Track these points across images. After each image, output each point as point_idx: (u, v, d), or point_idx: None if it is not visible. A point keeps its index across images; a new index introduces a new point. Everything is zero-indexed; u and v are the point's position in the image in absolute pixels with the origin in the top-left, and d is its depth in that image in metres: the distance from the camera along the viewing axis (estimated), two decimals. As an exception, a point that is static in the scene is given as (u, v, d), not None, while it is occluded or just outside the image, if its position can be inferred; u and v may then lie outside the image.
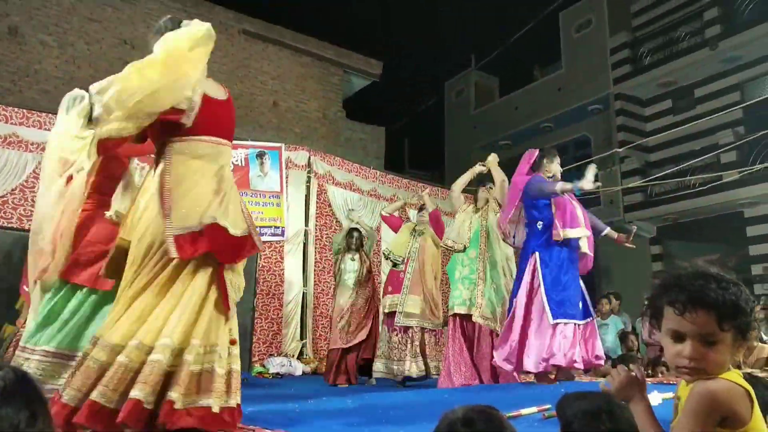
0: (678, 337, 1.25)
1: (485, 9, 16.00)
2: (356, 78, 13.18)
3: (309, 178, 7.95)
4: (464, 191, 5.40)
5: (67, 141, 3.37)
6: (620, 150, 11.70)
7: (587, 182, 4.17)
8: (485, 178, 5.30)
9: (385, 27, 16.44)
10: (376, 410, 3.13)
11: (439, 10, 15.82)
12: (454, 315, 4.89)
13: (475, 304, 4.80)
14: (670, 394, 2.21)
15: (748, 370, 5.17)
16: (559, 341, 4.21)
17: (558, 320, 4.23)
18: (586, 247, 4.51)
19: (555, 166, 4.71)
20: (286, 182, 7.65)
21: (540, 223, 4.48)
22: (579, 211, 4.58)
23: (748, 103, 10.33)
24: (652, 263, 13.01)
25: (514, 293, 4.51)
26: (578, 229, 4.44)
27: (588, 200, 13.10)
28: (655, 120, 13.33)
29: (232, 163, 7.63)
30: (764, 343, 5.60)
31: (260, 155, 7.44)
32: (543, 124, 15.03)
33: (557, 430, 1.65)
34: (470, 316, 4.81)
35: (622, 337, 6.91)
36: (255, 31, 11.43)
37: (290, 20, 12.06)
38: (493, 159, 5.22)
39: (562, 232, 4.36)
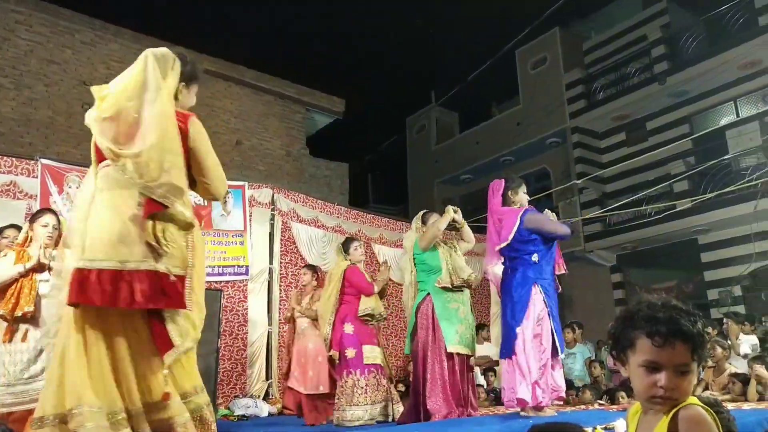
0: (654, 368, 1.29)
1: (445, 47, 16.42)
2: (319, 115, 13.30)
3: (273, 215, 7.91)
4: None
5: None
6: (579, 181, 12.02)
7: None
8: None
9: (347, 65, 16.69)
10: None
11: (399, 47, 16.17)
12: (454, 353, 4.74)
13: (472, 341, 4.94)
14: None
15: (716, 393, 5.30)
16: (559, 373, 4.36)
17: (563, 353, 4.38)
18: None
19: (521, 196, 4.71)
20: (250, 220, 7.60)
21: (536, 255, 4.47)
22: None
23: (697, 134, 10.81)
24: (614, 291, 13.27)
25: (513, 326, 4.33)
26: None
27: (549, 231, 13.37)
28: (611, 152, 13.77)
29: (195, 202, 7.57)
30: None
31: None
32: (503, 158, 15.36)
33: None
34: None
35: (589, 364, 6.99)
36: (216, 70, 11.47)
37: (251, 59, 12.16)
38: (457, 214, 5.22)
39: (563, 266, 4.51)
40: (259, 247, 7.64)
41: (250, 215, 7.62)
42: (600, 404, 5.65)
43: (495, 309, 9.25)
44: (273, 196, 7.98)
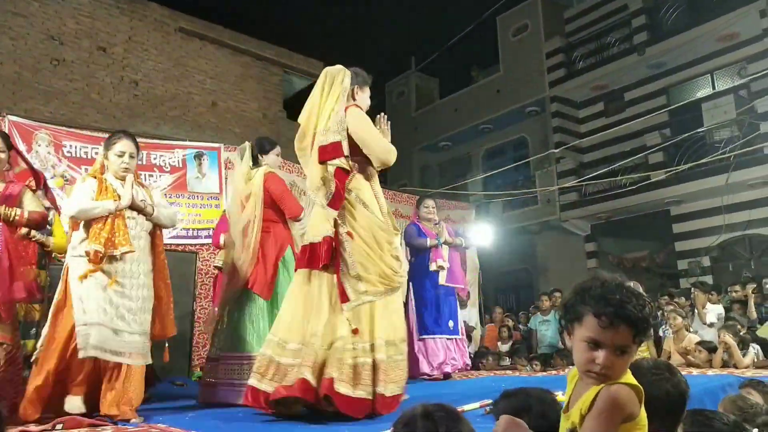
0: (595, 345, 1.33)
1: (425, 11, 16.19)
2: (297, 78, 13.06)
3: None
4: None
5: (240, 183, 4.02)
6: (556, 151, 12.08)
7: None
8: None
9: (326, 27, 16.38)
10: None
11: (379, 11, 15.88)
12: None
13: None
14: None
15: (677, 360, 5.44)
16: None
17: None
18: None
19: (423, 211, 5.63)
20: (226, 183, 7.49)
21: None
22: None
23: (672, 106, 10.88)
24: (587, 260, 13.48)
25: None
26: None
27: (526, 200, 13.49)
28: (589, 122, 13.83)
29: (169, 164, 7.44)
30: (691, 332, 5.88)
31: (198, 156, 7.25)
32: (482, 125, 15.34)
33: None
34: None
35: (561, 332, 7.12)
36: (192, 29, 11.15)
37: (229, 19, 11.86)
38: None
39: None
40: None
41: (226, 178, 7.51)
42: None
43: (470, 276, 9.34)
44: (241, 153, 7.85)
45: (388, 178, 16.73)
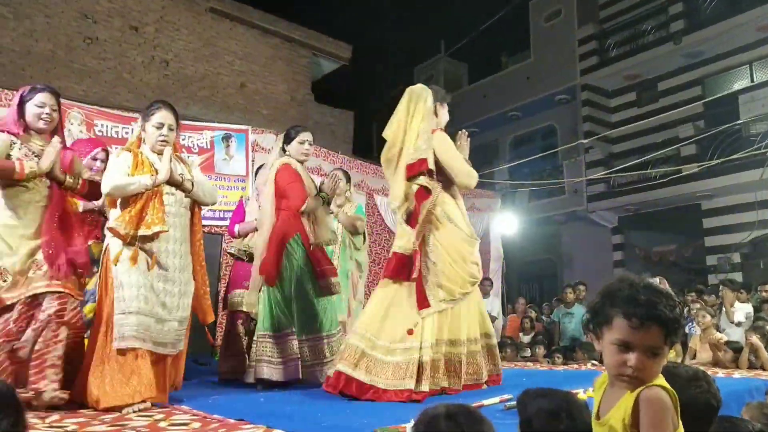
0: (626, 347, 1.30)
1: (456, -5, 16.00)
2: (325, 61, 13.03)
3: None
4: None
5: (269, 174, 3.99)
6: (585, 141, 11.88)
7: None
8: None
9: (355, 10, 16.27)
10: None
11: (410, -5, 15.74)
12: None
13: None
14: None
15: (703, 358, 5.35)
16: None
17: None
18: None
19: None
20: (253, 166, 7.53)
21: None
22: None
23: (708, 99, 10.61)
24: (613, 252, 13.31)
25: None
26: None
27: (553, 190, 13.33)
28: (620, 112, 13.57)
29: (197, 145, 7.51)
30: (720, 331, 5.78)
31: (226, 138, 7.30)
32: (511, 112, 15.16)
33: (516, 421, 1.69)
34: None
35: (585, 325, 7.05)
36: (223, 9, 11.18)
37: (259, 0, 11.84)
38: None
39: None
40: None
41: (253, 161, 7.55)
42: (593, 364, 5.72)
43: (493, 266, 9.30)
44: (276, 142, 7.88)
45: (414, 163, 16.67)
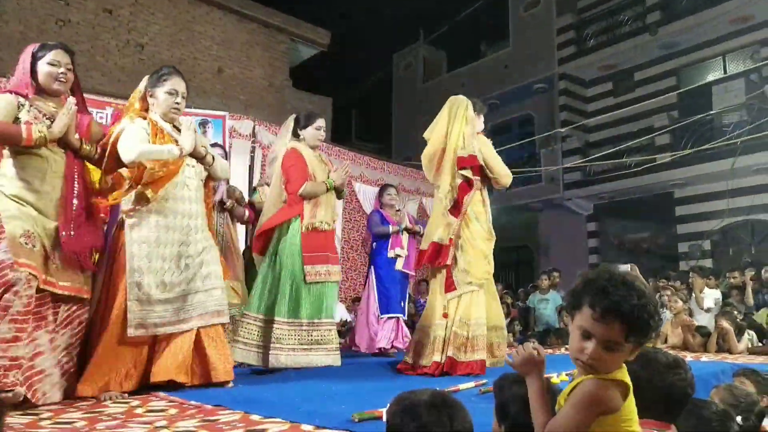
0: (586, 335, 1.32)
1: (436, -18, 15.93)
2: (303, 47, 12.92)
3: (253, 148, 7.78)
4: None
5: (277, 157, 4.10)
6: (562, 130, 12.00)
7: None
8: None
9: (335, -4, 16.14)
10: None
11: (389, -19, 15.65)
12: None
13: None
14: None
15: (674, 342, 5.49)
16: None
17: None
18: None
19: (386, 197, 5.74)
20: (230, 152, 7.47)
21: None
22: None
23: (683, 89, 10.77)
24: (588, 239, 13.51)
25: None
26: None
27: (530, 178, 13.44)
28: (597, 101, 13.71)
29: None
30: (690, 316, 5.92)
31: (203, 123, 7.23)
32: (489, 100, 15.18)
33: (492, 405, 1.72)
34: None
35: (560, 311, 7.18)
36: (199, -7, 11.02)
37: (236, -16, 11.66)
38: None
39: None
40: (238, 180, 7.54)
41: (230, 146, 7.49)
42: (567, 350, 5.83)
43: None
44: (254, 129, 7.82)
45: (393, 151, 16.67)
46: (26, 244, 2.53)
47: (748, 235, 11.27)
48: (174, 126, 3.06)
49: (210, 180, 3.21)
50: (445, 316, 3.70)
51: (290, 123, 4.14)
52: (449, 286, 3.76)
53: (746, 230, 11.27)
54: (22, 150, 2.63)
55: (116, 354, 2.78)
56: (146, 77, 3.11)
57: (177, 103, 3.00)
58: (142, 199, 2.86)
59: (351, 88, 19.04)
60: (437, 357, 3.62)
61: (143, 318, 2.81)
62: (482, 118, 4.05)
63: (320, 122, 4.09)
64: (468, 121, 3.92)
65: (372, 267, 5.63)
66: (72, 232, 2.67)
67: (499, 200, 11.32)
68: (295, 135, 4.06)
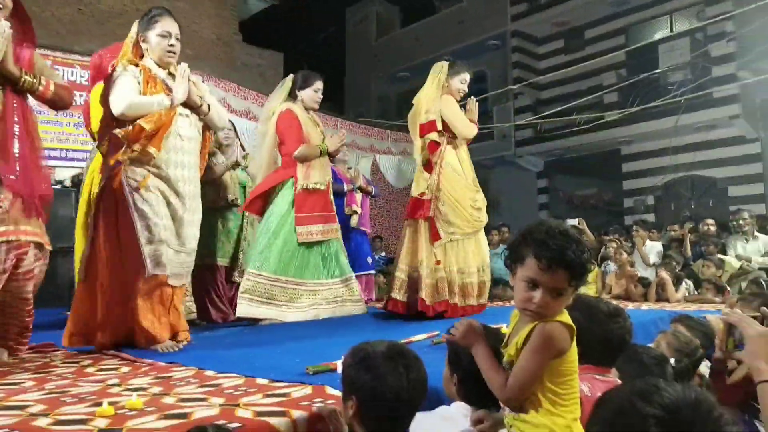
0: (533, 285, 1.40)
1: (389, -67, 15.56)
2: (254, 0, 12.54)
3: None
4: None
5: (264, 117, 4.33)
6: (515, 87, 12.07)
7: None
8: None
9: (284, -55, 15.56)
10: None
11: (341, -69, 15.19)
12: None
13: None
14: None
15: (616, 293, 5.73)
16: None
17: None
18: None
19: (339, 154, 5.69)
20: (178, 108, 7.25)
21: None
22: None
23: (631, 47, 10.94)
24: (538, 196, 13.81)
25: None
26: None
27: (482, 135, 13.48)
28: (548, 59, 13.81)
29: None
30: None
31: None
32: (443, 57, 15.07)
33: (443, 355, 1.78)
34: None
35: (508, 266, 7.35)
36: (140, -61, 10.45)
37: (180, -70, 11.10)
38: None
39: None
40: (187, 137, 7.35)
41: (178, 103, 7.26)
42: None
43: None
44: (279, 88, 7.57)
45: (346, 108, 16.48)
46: None
47: (688, 190, 11.74)
48: (169, 73, 2.92)
49: (207, 129, 3.11)
50: (438, 263, 3.98)
51: (287, 82, 4.15)
52: (435, 236, 4.02)
53: (687, 186, 11.73)
54: None
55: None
56: (136, 21, 2.97)
57: (171, 46, 2.87)
58: (144, 156, 2.75)
59: (303, 43, 18.60)
60: (428, 299, 3.90)
61: (158, 257, 2.76)
62: (462, 77, 4.33)
63: (319, 84, 4.11)
64: (438, 84, 4.24)
65: None
66: (15, 176, 2.43)
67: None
68: (292, 96, 4.10)
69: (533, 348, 1.38)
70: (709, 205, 11.16)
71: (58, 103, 2.68)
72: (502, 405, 1.50)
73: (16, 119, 2.49)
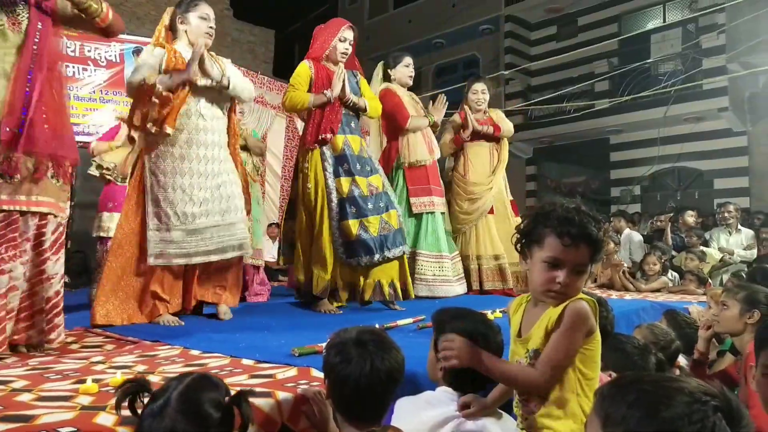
0: (555, 264, 1.37)
1: None
2: (245, -26, 12.33)
3: (191, 80, 7.48)
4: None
5: None
6: (506, 72, 12.04)
7: None
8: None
9: None
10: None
11: None
12: None
13: None
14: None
15: (601, 282, 5.79)
16: None
17: None
18: None
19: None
20: (166, 83, 7.16)
21: None
22: None
23: (623, 36, 10.94)
24: (526, 182, 13.84)
25: None
26: None
27: (472, 120, 13.51)
28: (540, 45, 13.77)
29: (105, 58, 7.01)
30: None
31: (137, 52, 6.85)
32: (435, 40, 15.03)
33: (428, 339, 1.78)
34: None
35: (514, 246, 7.42)
36: None
37: None
38: None
39: None
40: (175, 113, 7.26)
41: (166, 78, 7.16)
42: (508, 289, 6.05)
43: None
44: (377, 72, 7.46)
45: (337, 88, 16.33)
46: None
47: (674, 181, 11.83)
48: (212, 55, 3.06)
49: (235, 105, 3.20)
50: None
51: (379, 69, 4.43)
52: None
53: (673, 177, 11.82)
54: None
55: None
56: (169, 9, 3.11)
57: (210, 28, 3.01)
58: (160, 136, 2.85)
59: (294, 21, 18.36)
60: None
61: (162, 249, 2.85)
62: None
63: (408, 59, 4.35)
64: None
65: None
66: (19, 129, 2.01)
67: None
68: (386, 78, 4.35)
69: (568, 327, 1.34)
70: (695, 197, 11.26)
71: (113, 26, 2.39)
72: (516, 403, 1.47)
73: (35, 48, 2.01)
